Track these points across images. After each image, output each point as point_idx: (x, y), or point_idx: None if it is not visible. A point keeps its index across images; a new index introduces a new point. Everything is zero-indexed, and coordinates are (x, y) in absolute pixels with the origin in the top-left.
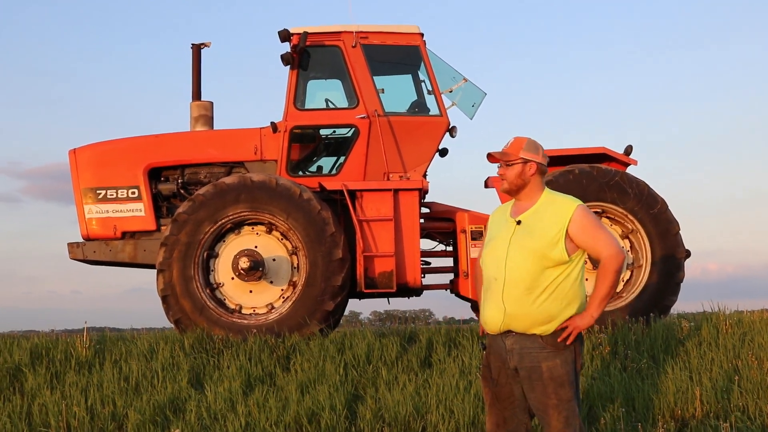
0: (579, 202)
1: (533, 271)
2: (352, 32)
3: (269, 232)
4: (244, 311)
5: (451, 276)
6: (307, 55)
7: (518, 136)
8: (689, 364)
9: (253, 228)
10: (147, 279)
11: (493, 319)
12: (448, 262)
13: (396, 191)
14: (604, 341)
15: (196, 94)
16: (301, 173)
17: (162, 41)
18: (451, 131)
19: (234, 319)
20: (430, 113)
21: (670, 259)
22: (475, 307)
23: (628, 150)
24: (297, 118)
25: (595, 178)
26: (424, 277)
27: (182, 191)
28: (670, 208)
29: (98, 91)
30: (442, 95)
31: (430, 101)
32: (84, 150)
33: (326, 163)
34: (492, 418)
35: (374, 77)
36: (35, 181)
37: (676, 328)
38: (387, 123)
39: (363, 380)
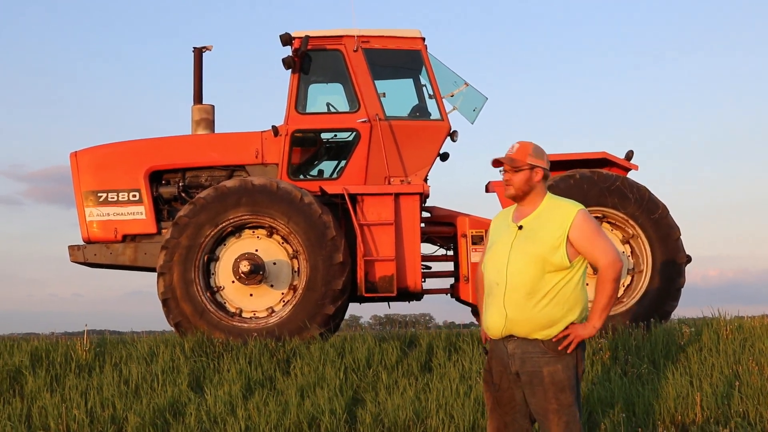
0: (580, 206)
1: (535, 276)
2: (354, 36)
3: (270, 235)
4: (244, 315)
5: (451, 280)
6: (308, 59)
7: (523, 142)
8: (690, 370)
9: (253, 231)
10: (147, 282)
11: (494, 324)
12: (449, 266)
13: (397, 195)
14: (604, 346)
15: (198, 98)
16: (302, 177)
17: (164, 44)
18: (452, 136)
19: (234, 323)
20: (432, 117)
21: (671, 264)
22: (476, 311)
23: (629, 155)
24: (298, 121)
25: (596, 183)
26: (424, 281)
27: (183, 194)
28: (670, 213)
29: (100, 94)
30: (444, 100)
31: (431, 105)
32: (85, 153)
33: (327, 167)
34: (493, 422)
35: (375, 81)
36: (37, 183)
37: (677, 334)
38: (388, 127)
39: (363, 384)
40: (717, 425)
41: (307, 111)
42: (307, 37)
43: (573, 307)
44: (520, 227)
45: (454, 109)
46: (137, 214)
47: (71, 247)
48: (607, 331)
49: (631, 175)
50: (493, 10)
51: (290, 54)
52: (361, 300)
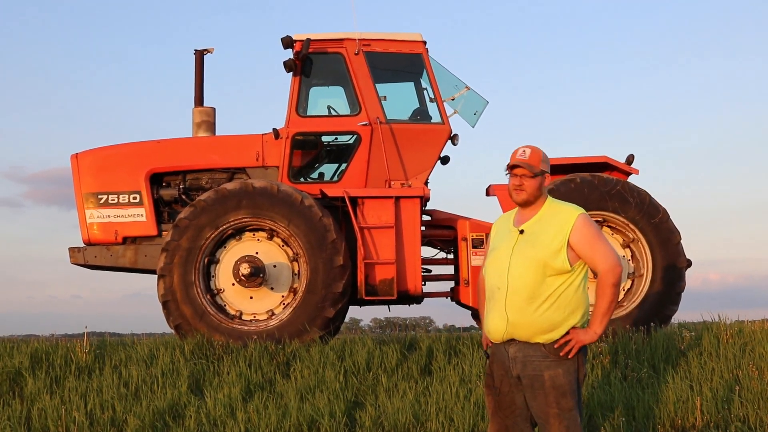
0: (581, 210)
1: (536, 280)
2: (355, 39)
3: (270, 238)
4: (244, 317)
5: (451, 284)
6: (309, 62)
7: (533, 146)
8: (690, 374)
9: (254, 234)
10: (147, 284)
11: (496, 328)
12: (449, 269)
13: (397, 198)
14: (604, 350)
15: (199, 100)
16: (302, 180)
17: (165, 47)
18: (453, 139)
19: (234, 325)
20: (432, 121)
21: (671, 268)
22: (476, 314)
23: (630, 159)
24: (299, 124)
25: (597, 187)
26: (424, 284)
27: (184, 197)
28: (671, 217)
29: (101, 96)
30: (444, 103)
31: (432, 109)
32: (86, 155)
33: (328, 169)
34: (494, 426)
35: (376, 84)
36: (37, 185)
37: (677, 338)
38: (389, 130)
39: (363, 387)
40: (717, 430)
41: (308, 114)
42: (309, 40)
43: (574, 310)
44: (522, 231)
45: (455, 112)
46: (138, 216)
47: (71, 249)
48: (608, 335)
49: (632, 180)
50: (494, 14)
51: (291, 57)
52: (361, 303)
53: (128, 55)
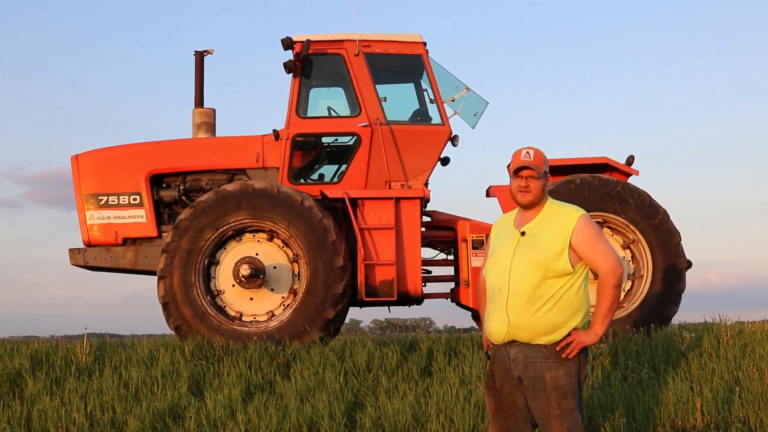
0: (582, 211)
1: (537, 282)
2: (355, 41)
3: (270, 239)
4: (244, 318)
5: (451, 285)
6: (309, 63)
7: (535, 148)
8: (690, 375)
9: (254, 235)
10: (148, 285)
11: (497, 330)
12: (449, 270)
13: (397, 200)
14: (604, 351)
15: (199, 101)
16: (302, 181)
17: (165, 48)
18: (453, 140)
19: (234, 327)
20: (432, 122)
21: (672, 269)
22: (476, 316)
23: (630, 160)
24: (299, 125)
25: (597, 187)
26: (424, 285)
27: (184, 198)
28: (671, 218)
29: (101, 97)
30: (444, 104)
31: (432, 110)
32: (86, 156)
33: (328, 171)
34: (494, 427)
35: (377, 86)
36: (37, 186)
37: (677, 339)
38: (389, 131)
39: (363, 389)
40: (717, 430)
41: (308, 115)
42: (309, 41)
43: (575, 312)
44: (523, 233)
45: (455, 113)
46: (138, 218)
47: (72, 250)
48: (608, 336)
49: (632, 180)
50: (494, 14)
51: (291, 58)
52: (362, 304)
53: (128, 55)
